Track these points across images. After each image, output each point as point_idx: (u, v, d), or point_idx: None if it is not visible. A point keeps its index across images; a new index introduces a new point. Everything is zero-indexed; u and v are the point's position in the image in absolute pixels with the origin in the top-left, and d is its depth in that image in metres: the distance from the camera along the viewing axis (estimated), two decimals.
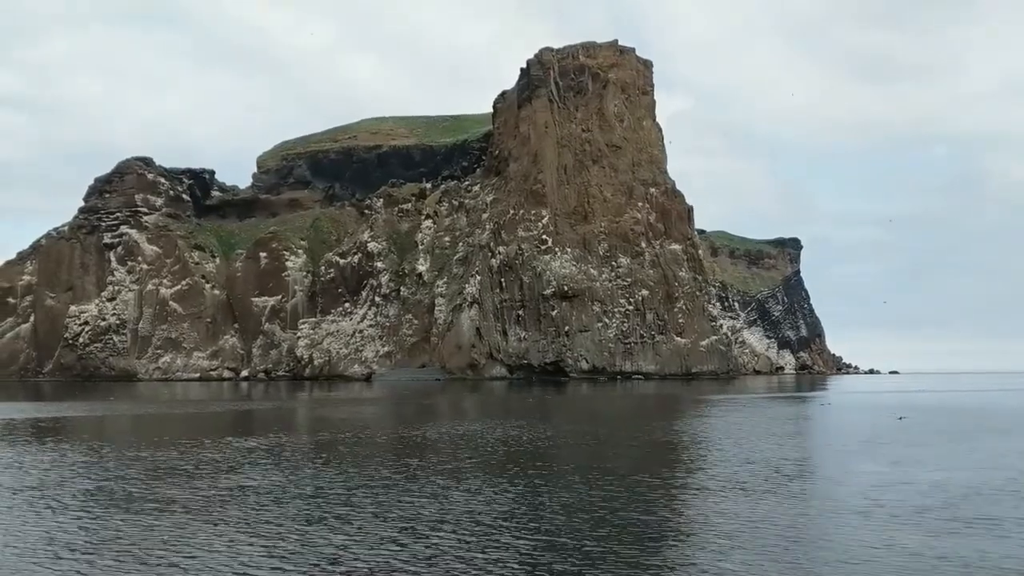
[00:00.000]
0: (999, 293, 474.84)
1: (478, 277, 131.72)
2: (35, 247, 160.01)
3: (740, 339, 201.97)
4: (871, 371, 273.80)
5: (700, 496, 16.41)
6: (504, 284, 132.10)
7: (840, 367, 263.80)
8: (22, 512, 14.95)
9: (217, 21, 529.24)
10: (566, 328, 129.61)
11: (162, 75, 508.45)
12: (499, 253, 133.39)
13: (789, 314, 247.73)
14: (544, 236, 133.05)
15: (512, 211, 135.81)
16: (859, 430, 33.33)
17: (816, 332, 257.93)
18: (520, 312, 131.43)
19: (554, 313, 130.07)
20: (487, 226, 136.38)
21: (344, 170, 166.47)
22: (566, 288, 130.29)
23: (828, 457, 24.40)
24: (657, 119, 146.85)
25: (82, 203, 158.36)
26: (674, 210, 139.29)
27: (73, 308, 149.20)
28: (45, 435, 31.36)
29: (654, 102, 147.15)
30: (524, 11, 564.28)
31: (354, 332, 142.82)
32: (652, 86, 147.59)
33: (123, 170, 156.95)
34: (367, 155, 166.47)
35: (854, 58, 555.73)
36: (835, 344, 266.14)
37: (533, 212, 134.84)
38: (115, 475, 19.37)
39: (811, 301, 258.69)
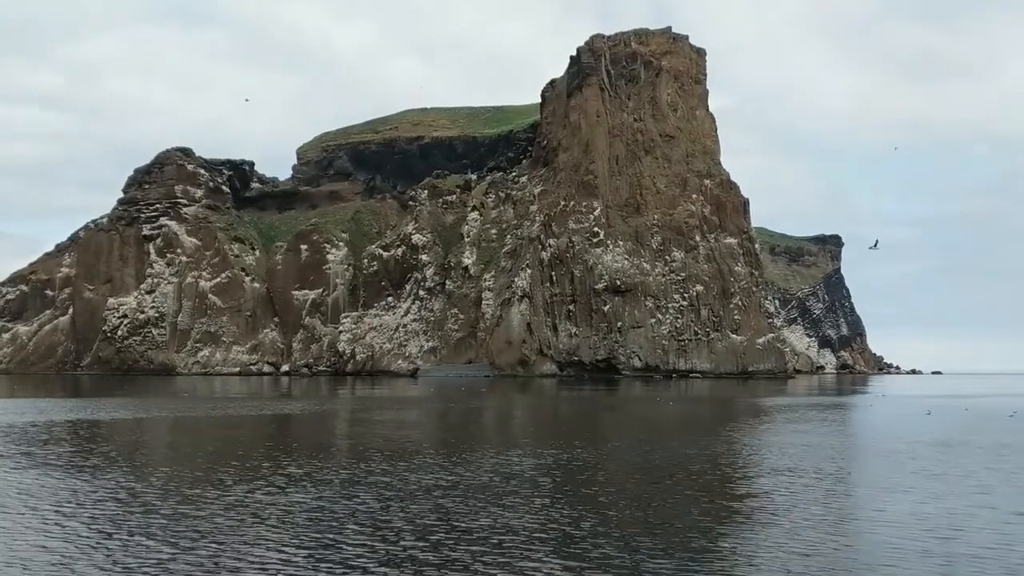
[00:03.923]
0: None
1: (528, 271, 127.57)
2: (73, 239, 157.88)
3: (780, 337, 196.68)
4: (913, 371, 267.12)
5: None
6: (555, 278, 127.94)
7: (881, 367, 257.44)
8: None
9: (255, 19, 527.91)
10: (618, 324, 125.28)
11: (201, 72, 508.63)
12: (549, 246, 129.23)
13: (830, 312, 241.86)
14: (596, 228, 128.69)
15: (562, 203, 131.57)
16: None
17: (857, 331, 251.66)
18: (571, 307, 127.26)
19: (606, 308, 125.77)
20: (537, 218, 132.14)
21: (385, 162, 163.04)
22: (618, 282, 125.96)
23: None
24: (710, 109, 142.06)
25: (121, 194, 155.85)
26: (729, 203, 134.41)
27: (112, 301, 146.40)
28: (117, 453, 27.30)
29: (707, 92, 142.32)
30: (565, 9, 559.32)
31: (397, 327, 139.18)
32: (705, 75, 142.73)
33: (163, 161, 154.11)
34: (409, 146, 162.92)
35: (896, 57, 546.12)
36: (872, 343, 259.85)
37: (584, 204, 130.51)
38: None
39: (852, 299, 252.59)
